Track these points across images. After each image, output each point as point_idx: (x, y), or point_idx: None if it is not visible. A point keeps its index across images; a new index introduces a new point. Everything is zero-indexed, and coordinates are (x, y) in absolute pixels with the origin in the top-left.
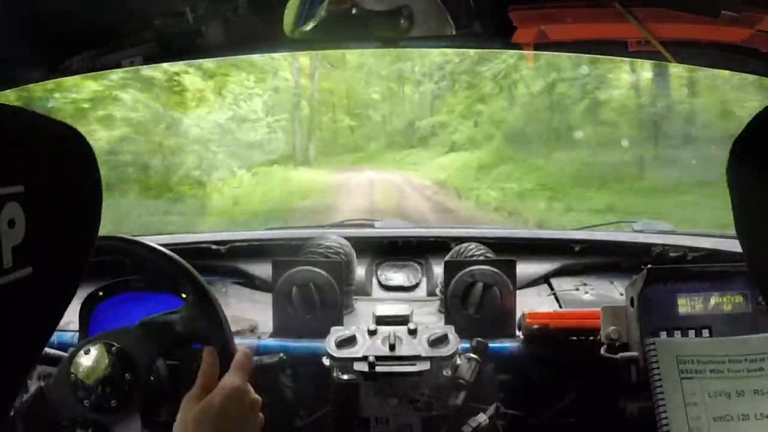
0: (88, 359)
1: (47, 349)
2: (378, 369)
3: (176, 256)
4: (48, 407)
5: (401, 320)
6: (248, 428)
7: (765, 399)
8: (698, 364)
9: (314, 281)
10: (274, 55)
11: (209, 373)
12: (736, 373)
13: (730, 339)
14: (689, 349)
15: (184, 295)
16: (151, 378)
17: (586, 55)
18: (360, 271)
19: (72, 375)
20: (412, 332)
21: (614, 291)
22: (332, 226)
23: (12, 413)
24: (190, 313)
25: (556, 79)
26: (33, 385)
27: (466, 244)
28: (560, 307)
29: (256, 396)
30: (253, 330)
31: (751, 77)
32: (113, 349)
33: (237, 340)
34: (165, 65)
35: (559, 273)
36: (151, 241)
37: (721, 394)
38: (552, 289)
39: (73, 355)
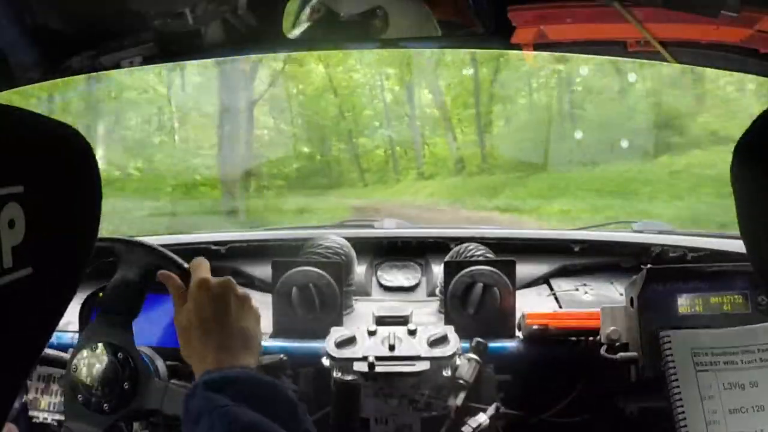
0: (81, 370)
1: (47, 350)
2: (378, 369)
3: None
4: None
5: (401, 320)
6: (236, 309)
7: None
8: (712, 356)
9: (314, 282)
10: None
11: (176, 289)
12: (749, 364)
13: (743, 329)
14: (703, 342)
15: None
16: (142, 357)
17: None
18: (360, 271)
19: (78, 396)
20: (412, 332)
21: (614, 291)
22: (332, 226)
23: None
24: (125, 261)
25: None
26: (33, 386)
27: (465, 245)
28: (560, 307)
29: (224, 278)
30: None
31: None
32: (94, 346)
33: None
34: None
35: (558, 273)
36: (151, 241)
37: (736, 385)
38: (552, 289)
39: (68, 374)
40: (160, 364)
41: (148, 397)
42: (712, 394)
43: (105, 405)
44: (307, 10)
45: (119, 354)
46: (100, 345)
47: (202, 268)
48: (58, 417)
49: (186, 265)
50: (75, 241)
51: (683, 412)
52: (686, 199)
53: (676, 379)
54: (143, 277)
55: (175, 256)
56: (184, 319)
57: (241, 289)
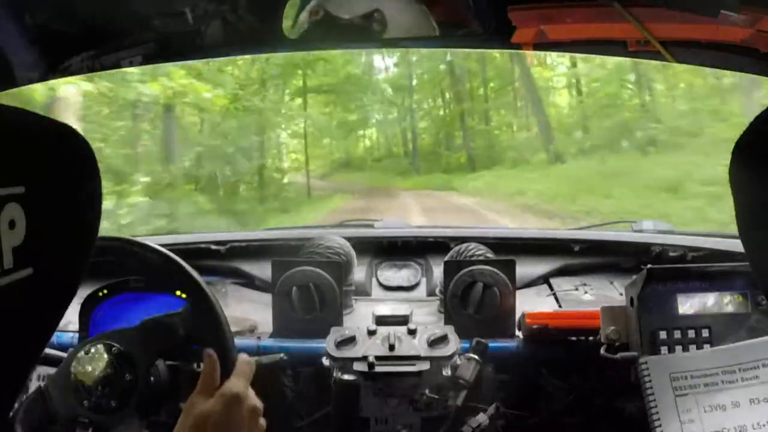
0: (89, 360)
1: (47, 350)
2: (378, 369)
3: (177, 258)
4: (48, 407)
5: (401, 320)
6: None
7: (761, 407)
8: (691, 380)
9: (314, 281)
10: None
11: (209, 377)
12: (731, 384)
13: (722, 349)
14: (681, 365)
15: (183, 295)
16: (151, 378)
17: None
18: (360, 271)
19: (72, 375)
20: (412, 332)
21: (614, 291)
22: (332, 226)
23: (12, 412)
24: (190, 314)
25: None
26: (33, 385)
27: (465, 245)
28: (560, 307)
29: (258, 402)
30: (253, 330)
31: None
32: (113, 349)
33: (237, 341)
34: None
35: (558, 273)
36: (151, 241)
37: (717, 407)
38: (552, 289)
39: (74, 355)
40: (162, 366)
41: (121, 429)
42: (692, 417)
43: (85, 400)
44: (306, 13)
45: (127, 375)
46: (119, 350)
47: (245, 374)
48: None
49: (232, 359)
50: (75, 242)
51: (660, 426)
52: None
53: (655, 406)
54: (194, 338)
55: (232, 343)
56: (200, 417)
57: (262, 419)
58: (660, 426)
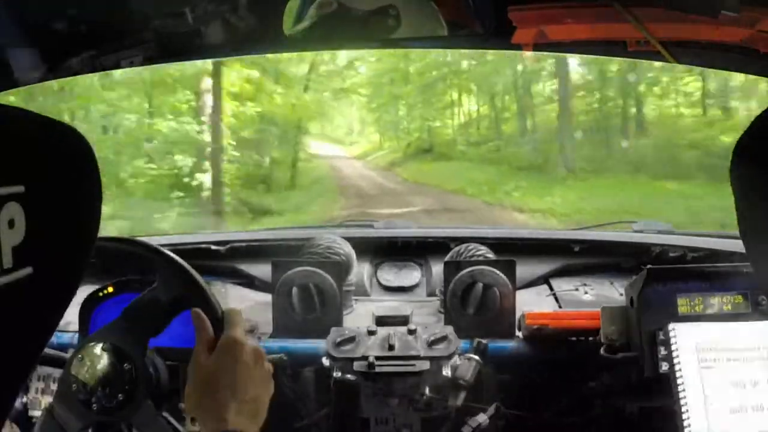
0: (84, 365)
1: (47, 350)
2: (377, 369)
3: (139, 239)
4: (58, 425)
5: (401, 320)
6: (257, 378)
7: None
8: (717, 352)
9: (314, 281)
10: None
11: (203, 332)
12: (750, 363)
13: (748, 325)
14: (710, 336)
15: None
16: (150, 369)
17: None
18: (360, 271)
19: (73, 385)
20: (412, 332)
21: (614, 291)
22: (332, 226)
23: None
24: (165, 282)
25: None
26: (33, 386)
27: (465, 245)
28: (560, 307)
29: (258, 346)
30: (253, 330)
31: None
32: (105, 346)
33: None
34: None
35: (558, 273)
36: (152, 241)
37: (737, 384)
38: (552, 289)
39: (69, 365)
40: (162, 366)
41: (135, 418)
42: (715, 392)
43: (94, 404)
44: (316, 5)
45: (126, 364)
46: (110, 346)
47: (237, 323)
48: None
49: (221, 313)
50: (75, 241)
51: (686, 411)
52: None
53: (680, 376)
54: (175, 304)
55: (215, 299)
56: (206, 372)
57: (267, 363)
58: (685, 399)
